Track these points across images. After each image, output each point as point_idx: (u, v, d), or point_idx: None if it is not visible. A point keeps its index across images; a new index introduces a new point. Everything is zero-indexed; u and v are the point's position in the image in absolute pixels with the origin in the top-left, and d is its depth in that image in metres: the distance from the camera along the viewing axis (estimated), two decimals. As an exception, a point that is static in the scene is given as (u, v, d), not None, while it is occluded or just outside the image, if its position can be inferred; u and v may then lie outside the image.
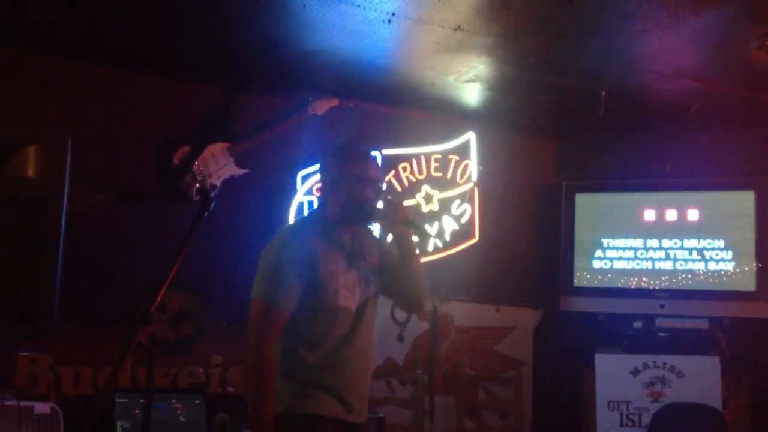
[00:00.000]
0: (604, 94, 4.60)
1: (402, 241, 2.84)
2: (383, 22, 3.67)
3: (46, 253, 2.85)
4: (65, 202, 2.95)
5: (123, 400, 3.79)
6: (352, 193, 2.70)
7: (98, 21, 3.78)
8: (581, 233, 5.26)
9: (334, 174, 2.75)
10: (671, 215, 5.15)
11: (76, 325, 3.73)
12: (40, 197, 2.91)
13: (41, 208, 2.92)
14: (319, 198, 2.84)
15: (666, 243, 5.11)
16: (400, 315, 4.77)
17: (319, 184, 2.97)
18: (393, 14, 3.60)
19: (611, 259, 5.20)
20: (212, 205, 2.31)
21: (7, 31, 3.91)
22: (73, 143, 3.00)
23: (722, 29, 3.69)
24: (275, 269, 2.65)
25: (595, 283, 5.19)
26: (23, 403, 3.36)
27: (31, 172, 2.93)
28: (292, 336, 2.66)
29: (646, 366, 4.77)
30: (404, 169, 4.96)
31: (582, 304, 5.17)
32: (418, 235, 3.08)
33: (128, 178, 4.32)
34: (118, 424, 3.77)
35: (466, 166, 5.03)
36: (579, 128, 5.43)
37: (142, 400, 3.72)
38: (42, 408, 3.45)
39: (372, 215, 2.77)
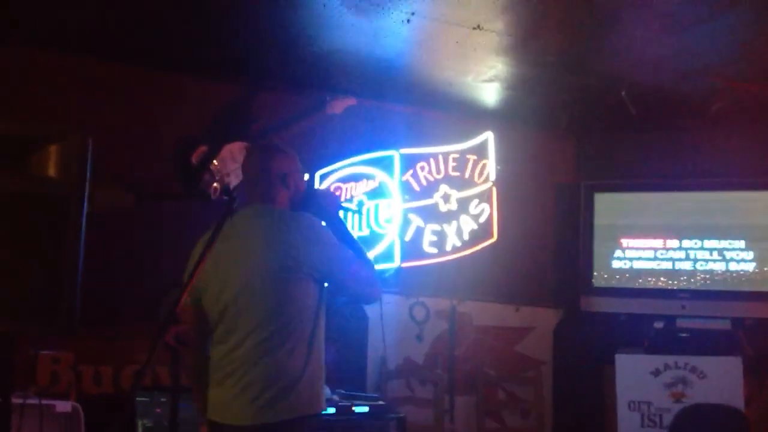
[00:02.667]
0: (624, 93, 4.57)
1: None
2: (402, 21, 3.67)
3: (67, 252, 2.84)
4: (86, 201, 2.93)
5: (144, 399, 3.79)
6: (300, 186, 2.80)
7: (119, 20, 3.81)
8: (600, 233, 5.23)
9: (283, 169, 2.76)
10: (691, 215, 5.11)
11: (97, 323, 3.73)
12: (61, 196, 2.89)
13: (62, 207, 2.90)
14: (270, 191, 2.73)
15: (686, 243, 5.07)
16: (419, 315, 4.76)
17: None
18: (412, 14, 3.61)
19: (631, 259, 5.17)
20: (236, 203, 2.30)
21: (28, 30, 3.94)
22: (93, 142, 2.99)
23: (745, 28, 3.67)
24: None
25: (614, 283, 5.17)
26: (45, 402, 3.37)
27: (51, 171, 2.91)
28: None
29: (667, 366, 4.73)
30: (422, 168, 4.94)
31: (602, 304, 5.14)
32: None
33: (148, 177, 4.34)
34: (140, 423, 3.77)
35: (484, 166, 5.00)
36: (598, 127, 5.41)
37: (163, 399, 3.73)
38: (63, 406, 3.46)
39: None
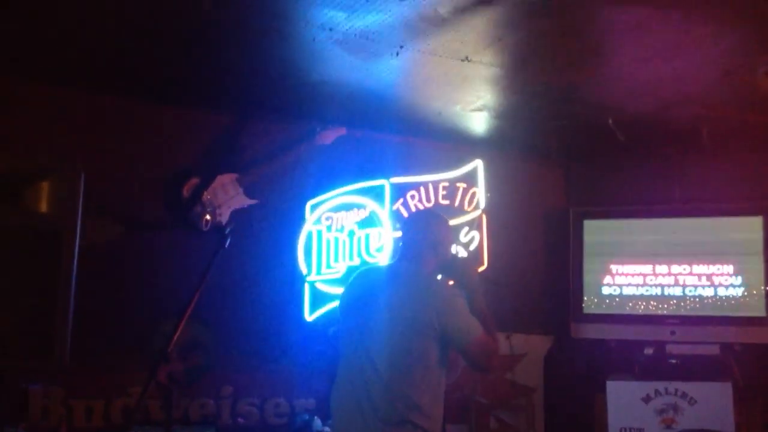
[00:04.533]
0: (611, 121, 4.62)
1: None
2: (392, 54, 3.71)
3: (59, 287, 2.85)
4: (78, 236, 2.95)
5: (135, 434, 3.78)
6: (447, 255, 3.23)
7: (109, 52, 3.82)
8: (590, 259, 5.26)
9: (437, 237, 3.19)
10: (680, 241, 5.15)
11: (88, 357, 3.72)
12: (54, 231, 2.91)
13: (54, 242, 2.91)
14: (422, 254, 3.16)
15: (675, 269, 5.10)
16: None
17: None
18: (401, 47, 3.64)
19: (620, 285, 5.19)
20: (227, 242, 2.33)
21: (18, 63, 3.96)
22: (86, 176, 3.02)
23: (729, 57, 3.72)
24: None
25: (604, 309, 5.18)
26: (36, 437, 3.36)
27: (44, 206, 2.93)
28: None
29: (658, 393, 4.73)
30: (412, 197, 4.96)
31: (592, 331, 5.16)
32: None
33: (139, 210, 4.34)
34: (131, 458, 3.76)
35: (473, 194, 5.03)
36: (586, 155, 5.45)
37: (154, 434, 3.73)
38: (54, 442, 3.44)
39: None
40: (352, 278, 3.31)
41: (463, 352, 3.02)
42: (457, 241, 4.96)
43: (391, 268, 3.23)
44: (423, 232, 3.21)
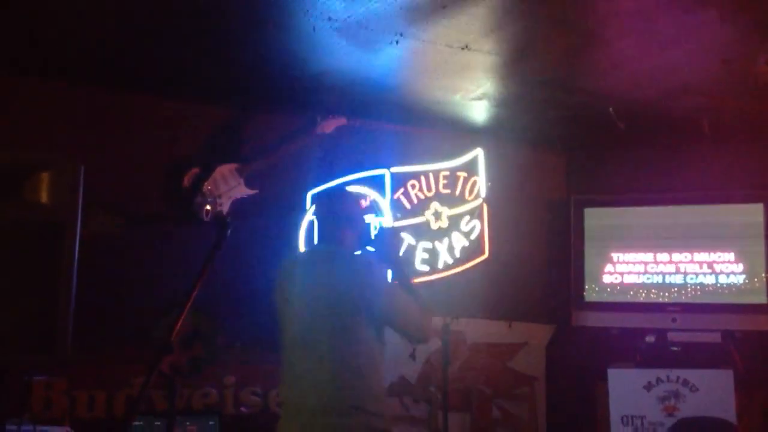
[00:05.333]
0: (611, 109, 4.62)
1: None
2: (391, 43, 3.70)
3: (61, 279, 2.84)
4: (78, 227, 2.94)
5: (138, 423, 3.79)
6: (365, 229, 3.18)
7: (108, 45, 3.82)
8: (591, 248, 5.26)
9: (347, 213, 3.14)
10: (680, 229, 5.15)
11: (90, 348, 3.73)
12: (54, 223, 2.91)
13: (55, 234, 2.91)
14: (336, 233, 3.11)
15: (676, 256, 5.10)
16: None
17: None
18: (401, 35, 3.63)
19: (621, 273, 5.19)
20: (228, 231, 2.33)
21: (18, 59, 3.96)
22: (85, 167, 3.01)
23: (730, 45, 3.71)
24: None
25: (606, 298, 5.19)
26: (39, 428, 3.37)
27: (44, 197, 2.93)
28: None
29: (659, 380, 4.75)
30: (413, 186, 4.97)
31: (593, 319, 5.16)
32: None
33: (140, 201, 4.34)
34: (134, 447, 3.77)
35: (474, 183, 5.04)
36: (587, 143, 5.45)
37: (157, 422, 3.74)
38: (58, 432, 3.46)
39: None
40: (283, 269, 3.22)
41: (390, 323, 2.98)
42: (457, 229, 4.97)
43: (311, 253, 3.21)
44: (332, 210, 3.15)
